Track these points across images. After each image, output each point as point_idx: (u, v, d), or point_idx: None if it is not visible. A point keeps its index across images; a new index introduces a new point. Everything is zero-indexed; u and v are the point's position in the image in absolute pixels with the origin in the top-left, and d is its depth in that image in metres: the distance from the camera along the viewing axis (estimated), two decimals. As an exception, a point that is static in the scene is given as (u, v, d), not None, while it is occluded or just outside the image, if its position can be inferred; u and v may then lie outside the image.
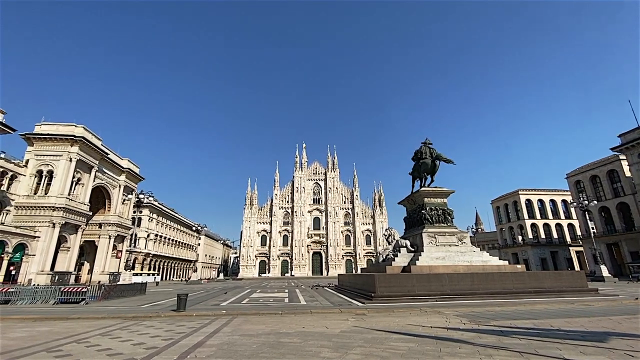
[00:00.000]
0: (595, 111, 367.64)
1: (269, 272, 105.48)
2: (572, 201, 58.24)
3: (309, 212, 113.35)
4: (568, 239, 73.89)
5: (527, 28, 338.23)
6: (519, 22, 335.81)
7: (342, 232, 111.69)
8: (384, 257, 26.80)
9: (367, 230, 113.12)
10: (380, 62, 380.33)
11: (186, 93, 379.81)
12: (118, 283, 38.41)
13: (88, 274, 60.07)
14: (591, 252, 57.41)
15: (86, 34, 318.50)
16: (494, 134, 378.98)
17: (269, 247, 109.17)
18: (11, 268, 44.50)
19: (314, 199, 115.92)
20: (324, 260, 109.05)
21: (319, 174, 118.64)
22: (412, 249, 25.24)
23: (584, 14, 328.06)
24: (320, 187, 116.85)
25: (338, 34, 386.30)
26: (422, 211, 25.77)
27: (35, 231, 46.62)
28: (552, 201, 77.57)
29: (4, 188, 46.42)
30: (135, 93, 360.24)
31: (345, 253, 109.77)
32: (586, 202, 46.47)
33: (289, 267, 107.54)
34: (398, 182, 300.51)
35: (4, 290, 21.36)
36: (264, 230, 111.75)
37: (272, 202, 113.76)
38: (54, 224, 47.82)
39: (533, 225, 75.00)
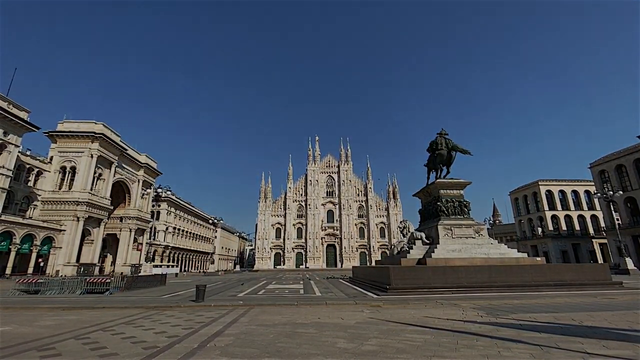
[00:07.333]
0: (617, 100, 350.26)
1: (283, 264, 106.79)
2: (595, 192, 55.95)
3: (322, 205, 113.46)
4: (591, 230, 71.26)
5: (543, 20, 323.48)
6: (541, 13, 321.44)
7: (355, 224, 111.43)
8: (399, 249, 26.62)
9: (381, 222, 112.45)
10: (395, 54, 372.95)
11: (201, 88, 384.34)
12: (139, 274, 39.82)
13: (111, 265, 62.50)
14: (615, 245, 55.27)
15: (102, 35, 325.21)
16: (512, 124, 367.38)
17: (284, 239, 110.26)
18: (39, 260, 46.71)
19: (327, 191, 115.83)
20: (338, 252, 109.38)
21: (332, 166, 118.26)
22: (428, 242, 24.96)
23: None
24: (334, 180, 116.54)
25: (350, 28, 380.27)
26: (438, 203, 25.36)
27: (61, 225, 48.64)
28: (574, 192, 74.77)
29: (30, 184, 48.54)
30: (150, 89, 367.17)
31: (359, 245, 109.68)
32: (611, 192, 44.57)
33: (304, 259, 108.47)
34: (412, 174, 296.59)
35: (34, 281, 22.46)
36: (279, 223, 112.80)
37: (285, 195, 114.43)
38: (78, 218, 49.75)
39: (554, 217, 72.68)
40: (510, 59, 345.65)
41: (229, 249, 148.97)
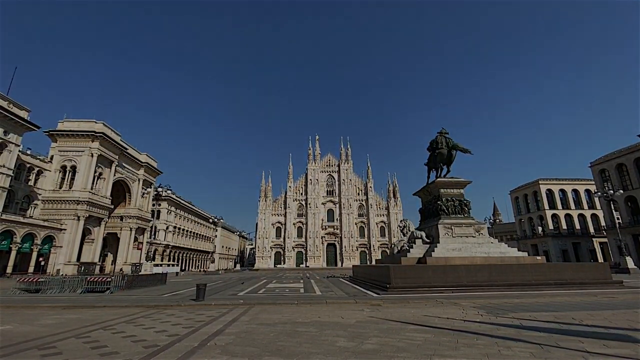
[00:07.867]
0: (616, 98, 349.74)
1: (284, 263, 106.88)
2: (596, 191, 55.87)
3: (322, 204, 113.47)
4: (591, 229, 71.25)
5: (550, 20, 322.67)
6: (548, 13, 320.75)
7: (356, 223, 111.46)
8: (399, 248, 26.63)
9: (382, 221, 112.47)
10: (396, 54, 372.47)
11: (201, 88, 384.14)
12: (140, 273, 39.88)
13: (111, 264, 62.55)
14: (616, 244, 55.21)
15: (102, 35, 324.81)
16: (512, 124, 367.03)
17: (284, 238, 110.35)
18: (40, 259, 46.74)
19: (327, 191, 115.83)
20: (338, 251, 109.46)
21: (332, 166, 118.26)
22: (428, 241, 24.95)
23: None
24: (334, 179, 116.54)
25: (352, 28, 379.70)
26: (438, 202, 25.34)
27: (62, 224, 48.66)
28: (575, 191, 74.71)
29: (31, 183, 48.56)
30: (150, 89, 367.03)
31: (360, 244, 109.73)
32: (611, 191, 44.50)
33: (304, 258, 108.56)
34: (413, 173, 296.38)
35: (34, 280, 22.46)
36: (279, 222, 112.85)
37: (286, 194, 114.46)
38: (78, 217, 49.78)
39: (554, 216, 72.62)
40: (511, 58, 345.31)
41: (230, 248, 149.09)
